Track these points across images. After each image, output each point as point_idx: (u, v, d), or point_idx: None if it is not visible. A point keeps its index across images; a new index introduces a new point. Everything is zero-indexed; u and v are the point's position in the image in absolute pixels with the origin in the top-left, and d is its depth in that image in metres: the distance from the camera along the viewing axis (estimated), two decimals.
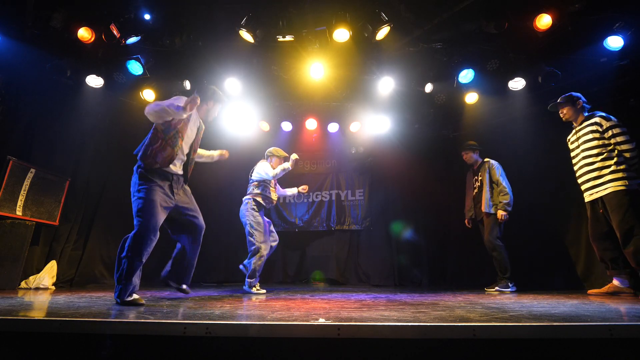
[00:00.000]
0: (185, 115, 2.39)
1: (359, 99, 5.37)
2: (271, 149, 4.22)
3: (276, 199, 4.12)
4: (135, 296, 2.30)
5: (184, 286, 2.76)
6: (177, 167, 2.55)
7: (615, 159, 3.13)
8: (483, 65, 4.50)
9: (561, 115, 3.54)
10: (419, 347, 1.35)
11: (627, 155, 3.10)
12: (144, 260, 2.34)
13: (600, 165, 3.18)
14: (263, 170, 3.94)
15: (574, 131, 3.49)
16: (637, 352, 1.30)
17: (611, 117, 3.22)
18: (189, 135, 2.62)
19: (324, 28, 3.99)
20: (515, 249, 4.19)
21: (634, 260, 2.94)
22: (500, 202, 4.05)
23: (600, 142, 3.20)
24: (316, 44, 4.16)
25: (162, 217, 2.42)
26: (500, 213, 4.01)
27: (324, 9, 3.91)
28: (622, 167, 3.10)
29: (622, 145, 3.11)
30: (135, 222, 2.35)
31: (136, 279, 2.33)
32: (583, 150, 3.32)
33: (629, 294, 3.08)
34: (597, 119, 3.24)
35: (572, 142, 3.51)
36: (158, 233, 2.38)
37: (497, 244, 4.02)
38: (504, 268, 3.98)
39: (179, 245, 2.75)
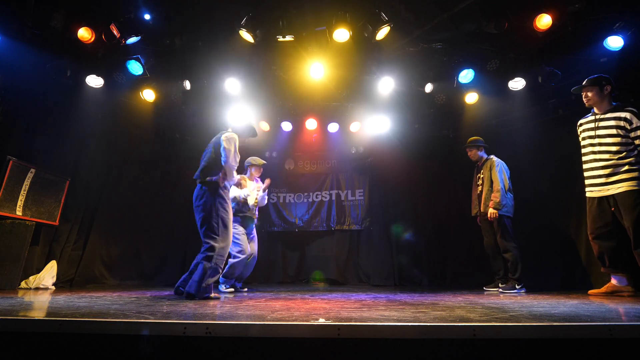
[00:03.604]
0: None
1: (359, 99, 5.37)
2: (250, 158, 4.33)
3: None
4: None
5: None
6: None
7: (632, 158, 3.00)
8: (483, 65, 4.49)
9: (584, 99, 3.27)
10: (419, 347, 1.35)
11: None
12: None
13: (616, 163, 3.04)
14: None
15: (592, 117, 3.23)
16: (637, 352, 1.30)
17: None
18: None
19: (324, 28, 3.99)
20: None
21: None
22: (491, 200, 3.95)
23: (623, 140, 3.03)
24: (316, 44, 4.16)
25: None
26: (490, 211, 3.91)
27: (324, 9, 3.90)
28: (637, 166, 3.00)
29: None
30: None
31: None
32: (601, 144, 3.11)
33: (628, 293, 3.06)
34: (627, 115, 3.03)
35: (586, 129, 3.25)
36: None
37: (510, 245, 3.90)
38: (514, 269, 3.85)
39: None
